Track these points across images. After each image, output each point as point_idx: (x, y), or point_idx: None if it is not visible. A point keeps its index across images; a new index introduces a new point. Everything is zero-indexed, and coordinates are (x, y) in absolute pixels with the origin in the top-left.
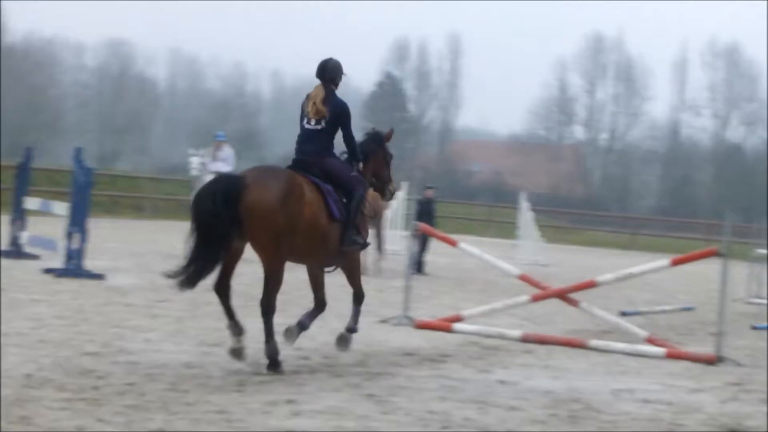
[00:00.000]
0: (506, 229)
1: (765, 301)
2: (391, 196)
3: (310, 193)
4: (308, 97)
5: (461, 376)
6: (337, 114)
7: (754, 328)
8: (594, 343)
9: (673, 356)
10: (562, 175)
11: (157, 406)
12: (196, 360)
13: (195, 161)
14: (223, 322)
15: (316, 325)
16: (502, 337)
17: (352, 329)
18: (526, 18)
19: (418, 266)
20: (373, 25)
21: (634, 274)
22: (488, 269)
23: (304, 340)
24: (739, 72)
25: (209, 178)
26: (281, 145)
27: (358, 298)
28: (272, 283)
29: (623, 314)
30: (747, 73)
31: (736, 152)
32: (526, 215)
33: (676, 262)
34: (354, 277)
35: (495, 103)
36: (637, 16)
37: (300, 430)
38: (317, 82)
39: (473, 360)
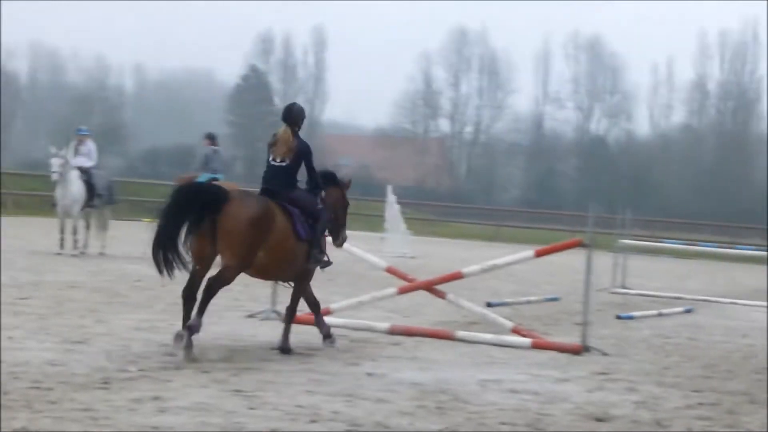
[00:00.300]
0: (374, 222)
1: (629, 291)
2: (342, 242)
3: (280, 216)
4: (275, 137)
5: (329, 370)
6: (301, 152)
7: (619, 317)
8: (461, 334)
9: (539, 346)
10: (428, 168)
11: (20, 405)
12: (60, 357)
13: (55, 163)
14: (86, 319)
15: (174, 322)
16: (369, 329)
17: (285, 348)
18: (391, 11)
19: None
20: (237, 18)
21: (500, 266)
22: (356, 262)
23: (169, 335)
24: (601, 64)
25: (73, 174)
26: (144, 139)
27: (291, 312)
28: (220, 281)
29: (489, 305)
30: (609, 66)
31: (599, 144)
32: (393, 208)
33: (540, 253)
34: (298, 292)
35: (361, 96)
36: (500, 9)
37: (166, 427)
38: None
39: (341, 353)
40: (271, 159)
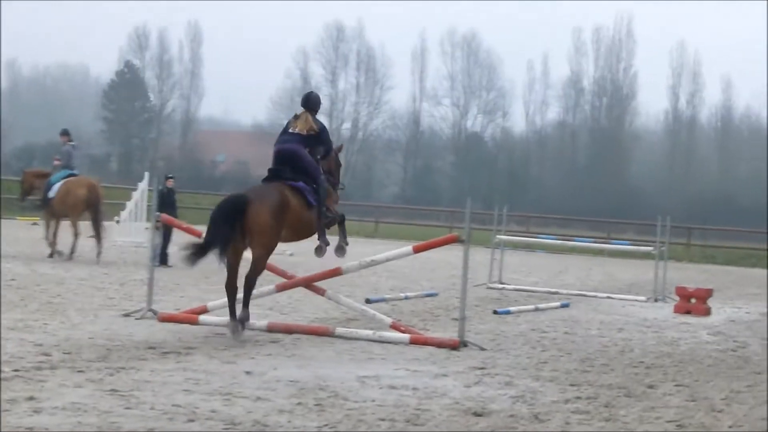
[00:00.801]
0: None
1: (506, 286)
2: (337, 199)
3: (291, 196)
4: (296, 117)
5: (207, 368)
6: (321, 129)
7: (496, 312)
8: (339, 330)
9: (417, 342)
10: None
11: None
12: None
13: None
14: None
15: (57, 321)
16: (248, 327)
17: (343, 245)
18: (267, 5)
19: (161, 258)
20: (111, 13)
21: (378, 262)
22: None
23: (44, 335)
24: (477, 61)
25: None
26: (18, 136)
27: (340, 220)
28: (257, 271)
29: (368, 301)
30: (485, 63)
31: (475, 141)
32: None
33: (418, 249)
34: (318, 229)
35: (238, 92)
36: (376, 5)
37: (41, 427)
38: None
39: (219, 351)
40: (290, 128)
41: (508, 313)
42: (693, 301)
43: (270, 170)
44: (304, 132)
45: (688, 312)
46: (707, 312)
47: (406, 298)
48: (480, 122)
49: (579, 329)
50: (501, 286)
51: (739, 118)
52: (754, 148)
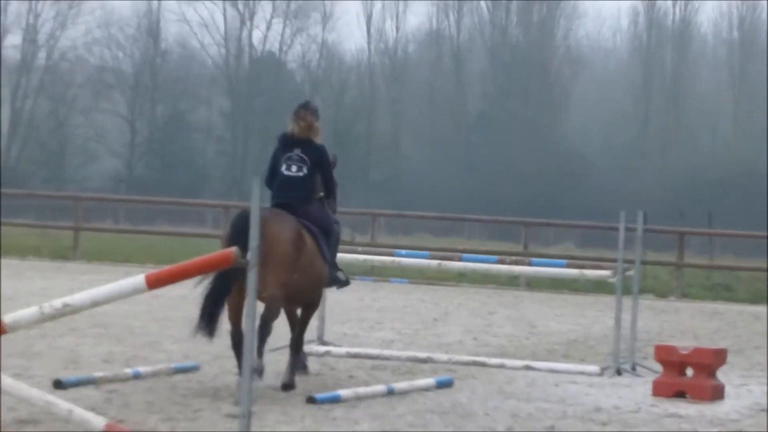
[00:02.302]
0: None
1: (332, 349)
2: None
3: (307, 235)
4: (292, 135)
5: None
6: (318, 158)
7: (313, 400)
8: None
9: None
10: None
11: None
12: None
13: None
14: None
15: None
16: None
17: (293, 377)
18: None
19: None
20: None
21: (78, 307)
22: None
23: None
24: None
25: None
26: None
27: (300, 344)
28: (272, 316)
29: (60, 385)
30: None
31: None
32: None
33: (156, 281)
34: (310, 315)
35: None
36: None
37: None
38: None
39: None
40: (284, 169)
41: (335, 400)
42: (689, 372)
43: (278, 204)
44: (302, 172)
45: (679, 393)
46: (716, 394)
47: (137, 375)
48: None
49: (471, 430)
50: (324, 348)
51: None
52: None
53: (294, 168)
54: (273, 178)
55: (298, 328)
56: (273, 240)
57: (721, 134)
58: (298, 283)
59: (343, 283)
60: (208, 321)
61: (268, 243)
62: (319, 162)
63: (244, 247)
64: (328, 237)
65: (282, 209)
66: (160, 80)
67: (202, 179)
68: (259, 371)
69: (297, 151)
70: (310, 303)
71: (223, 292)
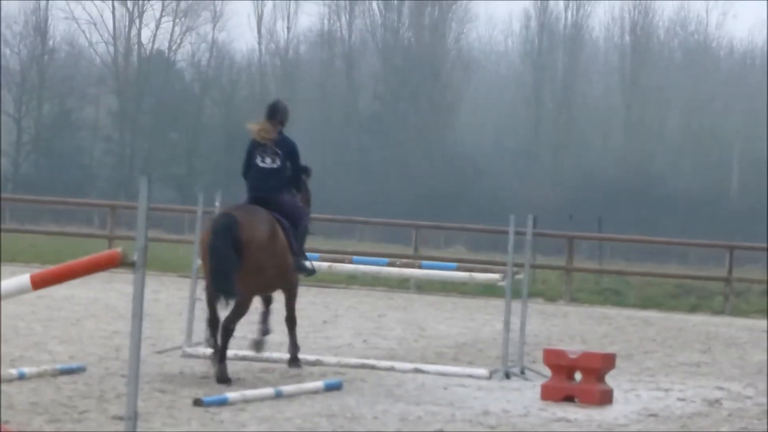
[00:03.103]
0: None
1: None
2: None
3: (279, 230)
4: (256, 130)
5: None
6: (290, 152)
7: (200, 403)
8: None
9: None
10: None
11: None
12: None
13: None
14: None
15: None
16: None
17: (295, 358)
18: None
19: None
20: None
21: None
22: None
23: None
24: None
25: None
26: None
27: (292, 321)
28: (242, 308)
29: None
30: None
31: None
32: None
33: (42, 281)
34: (292, 300)
35: None
36: None
37: None
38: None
39: None
40: (259, 161)
41: (223, 403)
42: (577, 377)
43: (254, 197)
44: (276, 161)
45: (568, 398)
46: (604, 398)
47: (22, 376)
48: None
49: None
50: (211, 351)
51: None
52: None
53: (268, 160)
54: (248, 170)
55: (287, 310)
56: (248, 245)
57: (612, 139)
58: (270, 277)
59: (309, 272)
60: (223, 282)
61: (244, 248)
62: (291, 154)
63: (223, 248)
64: (297, 228)
65: (256, 203)
66: (47, 78)
67: (89, 179)
68: (221, 377)
69: (270, 144)
70: (287, 289)
71: (227, 248)
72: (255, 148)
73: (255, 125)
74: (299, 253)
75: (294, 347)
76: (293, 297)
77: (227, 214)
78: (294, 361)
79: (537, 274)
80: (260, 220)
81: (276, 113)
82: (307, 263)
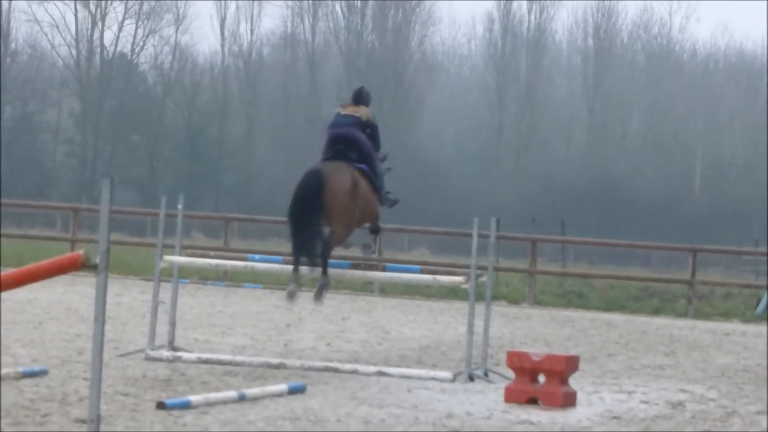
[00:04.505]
0: None
1: (183, 354)
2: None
3: (360, 177)
4: (343, 107)
5: None
6: (373, 121)
7: (163, 406)
8: None
9: None
10: None
11: None
12: None
13: None
14: None
15: None
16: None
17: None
18: None
19: None
20: None
21: None
22: None
23: None
24: None
25: None
26: None
27: (377, 230)
28: (338, 239)
29: None
30: None
31: None
32: None
33: (3, 284)
34: (377, 219)
35: None
36: None
37: None
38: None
39: None
40: (339, 111)
41: (186, 406)
42: (541, 379)
43: (328, 151)
44: (361, 117)
45: (531, 400)
46: (568, 401)
47: None
48: None
49: None
50: (174, 354)
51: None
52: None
53: (348, 113)
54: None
55: (375, 233)
56: (333, 196)
57: (574, 142)
58: (360, 216)
59: (393, 202)
60: (307, 247)
61: (330, 198)
62: (372, 124)
63: (310, 205)
64: (374, 168)
65: (335, 139)
66: (8, 81)
67: (51, 181)
68: (325, 285)
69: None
70: (373, 220)
71: (306, 218)
72: (338, 111)
73: (343, 108)
74: (380, 189)
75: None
76: (378, 222)
77: (313, 171)
78: (367, 247)
79: (500, 277)
80: (342, 172)
81: (360, 98)
82: (390, 195)
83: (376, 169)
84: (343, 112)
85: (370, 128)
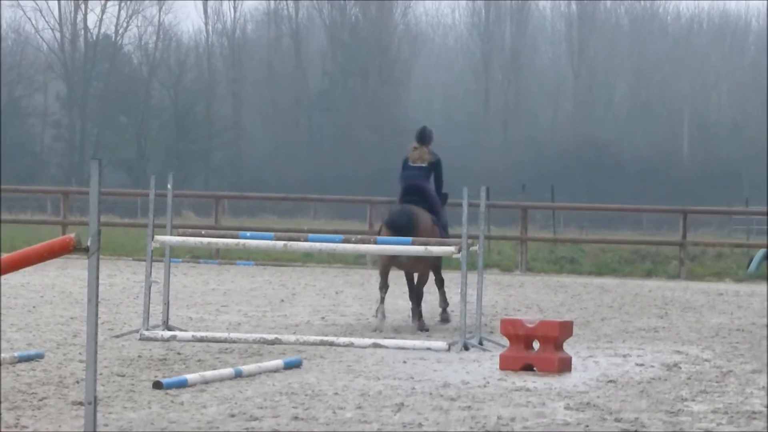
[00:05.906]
0: None
1: (178, 333)
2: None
3: (433, 224)
4: (414, 149)
5: None
6: (435, 162)
7: (160, 385)
8: None
9: None
10: None
11: None
12: None
13: None
14: None
15: None
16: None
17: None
18: None
19: None
20: None
21: None
22: None
23: None
24: None
25: None
26: None
27: (441, 282)
28: (426, 280)
29: None
30: None
31: None
32: None
33: None
34: (439, 273)
35: None
36: None
37: None
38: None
39: None
40: (411, 162)
41: (182, 385)
42: (536, 345)
43: (403, 199)
44: (425, 164)
45: (526, 367)
46: (563, 366)
47: None
48: None
49: (320, 411)
50: (169, 333)
51: None
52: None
53: (419, 162)
54: (403, 170)
55: (438, 279)
56: (420, 227)
57: (561, 108)
58: (432, 259)
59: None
60: (405, 220)
61: (421, 225)
62: (436, 164)
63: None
64: (440, 218)
65: (409, 190)
66: None
67: (40, 165)
68: (424, 328)
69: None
70: (437, 269)
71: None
72: (407, 157)
73: (413, 152)
74: (445, 235)
75: (444, 301)
76: (439, 271)
77: (403, 207)
78: (444, 313)
79: (492, 245)
80: (424, 213)
81: (424, 138)
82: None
83: (441, 219)
84: (411, 162)
85: (434, 169)
